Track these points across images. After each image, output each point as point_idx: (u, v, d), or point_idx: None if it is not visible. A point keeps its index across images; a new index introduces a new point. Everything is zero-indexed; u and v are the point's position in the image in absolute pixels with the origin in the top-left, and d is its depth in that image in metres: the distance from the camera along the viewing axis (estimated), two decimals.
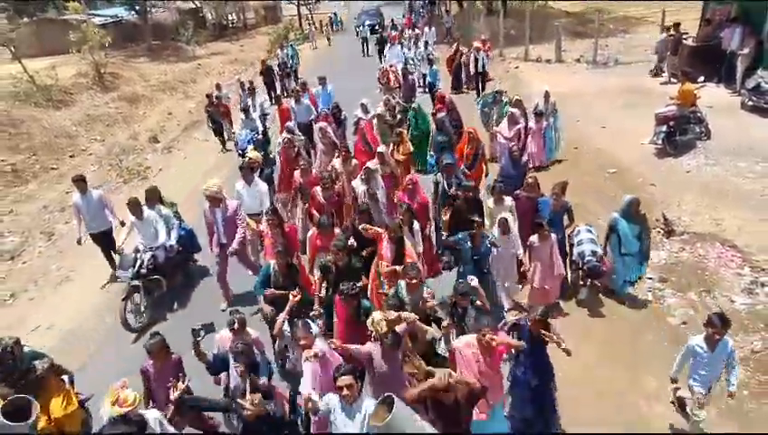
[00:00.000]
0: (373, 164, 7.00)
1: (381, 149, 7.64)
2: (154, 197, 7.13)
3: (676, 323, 5.81)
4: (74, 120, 16.26)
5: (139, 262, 6.39)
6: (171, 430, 3.86)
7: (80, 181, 7.23)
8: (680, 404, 4.61)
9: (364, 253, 5.60)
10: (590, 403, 4.76)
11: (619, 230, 5.86)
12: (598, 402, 4.79)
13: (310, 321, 4.48)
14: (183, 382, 3.80)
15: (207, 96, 13.40)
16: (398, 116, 10.09)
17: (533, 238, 5.78)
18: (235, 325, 4.39)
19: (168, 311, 6.87)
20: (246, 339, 4.35)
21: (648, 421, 4.69)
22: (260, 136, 10.40)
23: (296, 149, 8.66)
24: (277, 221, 5.97)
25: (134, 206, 6.56)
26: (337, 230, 5.87)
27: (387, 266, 5.21)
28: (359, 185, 6.85)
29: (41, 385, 4.28)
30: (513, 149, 7.73)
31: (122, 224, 7.18)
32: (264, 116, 11.67)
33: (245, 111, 10.88)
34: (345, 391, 3.40)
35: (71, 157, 14.41)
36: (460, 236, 5.55)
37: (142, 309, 6.48)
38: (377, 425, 2.70)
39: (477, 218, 5.64)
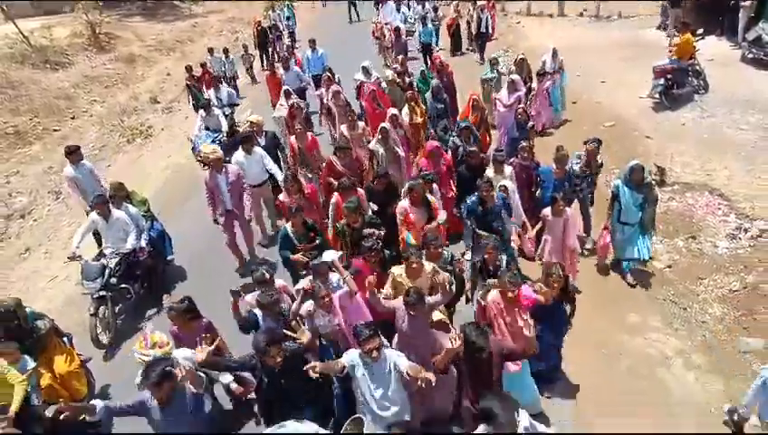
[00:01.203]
0: (388, 125, 6.89)
1: (393, 111, 7.47)
2: (121, 194, 6.33)
3: (661, 266, 6.09)
4: (72, 82, 16.17)
5: (107, 271, 5.71)
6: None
7: (74, 153, 6.76)
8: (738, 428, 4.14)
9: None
10: (574, 342, 5.06)
11: (620, 198, 5.56)
12: (584, 338, 5.09)
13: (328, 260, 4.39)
14: (210, 344, 3.78)
15: (187, 68, 12.16)
16: (409, 79, 9.59)
17: (547, 211, 5.50)
18: (265, 277, 4.37)
19: (140, 321, 6.16)
20: (273, 290, 4.34)
21: (628, 351, 5.06)
22: (223, 137, 8.71)
23: (304, 112, 8.33)
24: (297, 187, 5.86)
25: (101, 205, 5.80)
26: (360, 191, 5.72)
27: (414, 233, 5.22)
28: (377, 147, 6.72)
29: (44, 343, 4.64)
30: (520, 111, 7.52)
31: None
32: (231, 108, 10.34)
33: (206, 106, 9.08)
34: (374, 354, 3.39)
35: (72, 119, 14.45)
36: (469, 202, 5.46)
37: (111, 322, 5.76)
38: None
39: (485, 179, 5.38)
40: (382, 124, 6.86)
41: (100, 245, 6.46)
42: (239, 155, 6.72)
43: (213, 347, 3.81)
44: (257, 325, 4.16)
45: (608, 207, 5.80)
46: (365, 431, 3.41)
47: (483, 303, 4.23)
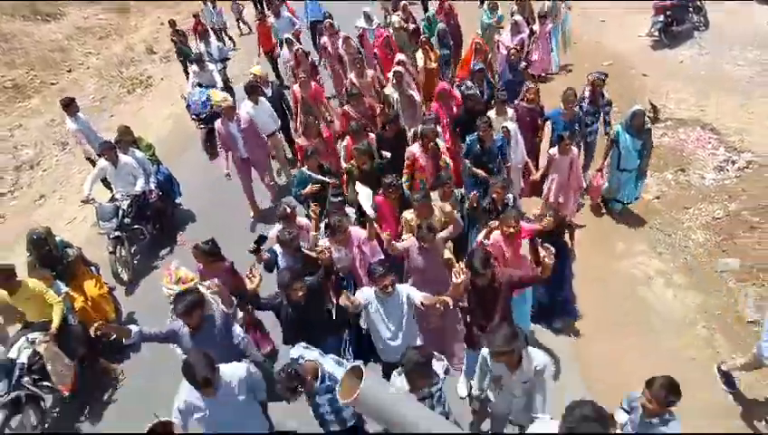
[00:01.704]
0: (402, 69, 6.76)
1: (401, 57, 7.37)
2: (128, 138, 6.51)
3: (650, 198, 6.38)
4: (65, 34, 15.91)
5: (120, 212, 6.00)
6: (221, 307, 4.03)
7: (70, 105, 6.79)
8: (727, 379, 4.23)
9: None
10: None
11: (620, 144, 5.57)
12: (579, 270, 5.35)
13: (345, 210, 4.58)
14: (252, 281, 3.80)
15: (170, 23, 11.48)
16: (415, 25, 9.29)
17: (553, 151, 5.50)
18: (287, 211, 4.48)
19: (155, 260, 6.60)
20: (293, 227, 4.43)
21: (615, 273, 5.45)
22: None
23: (310, 59, 8.11)
24: (316, 130, 5.94)
25: (109, 151, 5.98)
26: (372, 135, 5.76)
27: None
28: (391, 91, 6.69)
29: (73, 269, 5.03)
30: (512, 52, 7.42)
31: (92, 162, 6.62)
32: (224, 62, 9.95)
33: (199, 61, 8.63)
34: (389, 289, 3.50)
35: (68, 71, 14.35)
36: (468, 140, 5.51)
37: (129, 260, 6.18)
38: (347, 401, 1.99)
39: (484, 119, 5.38)
40: (396, 68, 6.77)
41: (110, 192, 6.67)
42: (247, 106, 6.64)
43: (259, 279, 3.83)
44: (276, 262, 4.30)
45: (604, 153, 5.86)
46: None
47: (485, 243, 4.37)
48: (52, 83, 13.74)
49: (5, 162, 9.97)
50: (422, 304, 3.55)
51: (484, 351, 3.16)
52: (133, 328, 3.54)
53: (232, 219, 6.87)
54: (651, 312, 5.01)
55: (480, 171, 5.44)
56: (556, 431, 2.43)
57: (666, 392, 2.76)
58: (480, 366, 3.37)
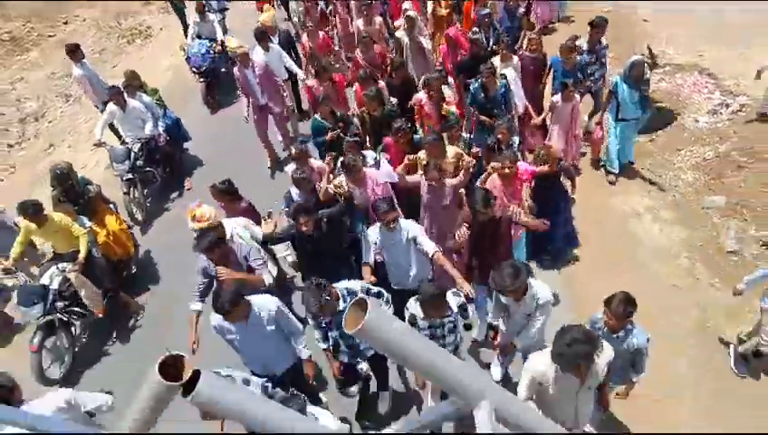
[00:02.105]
0: (414, 14, 6.80)
1: (407, 5, 7.33)
2: (135, 83, 6.63)
3: (643, 140, 6.56)
4: None
5: (132, 154, 6.19)
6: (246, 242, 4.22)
7: (75, 51, 6.77)
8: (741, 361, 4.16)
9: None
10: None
11: (618, 94, 5.57)
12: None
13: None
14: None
15: None
16: None
17: (556, 98, 5.59)
18: (300, 151, 4.71)
19: (166, 202, 6.90)
20: (306, 167, 4.66)
21: (608, 210, 5.73)
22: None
23: (319, 8, 8.02)
24: (328, 74, 6.02)
25: (117, 95, 6.14)
26: (381, 83, 5.84)
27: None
28: (402, 36, 6.67)
29: (95, 205, 5.33)
30: None
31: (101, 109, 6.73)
32: (222, 13, 9.62)
33: (201, 11, 8.32)
34: (392, 224, 3.77)
35: (64, 24, 14.17)
36: (472, 88, 5.59)
37: (142, 201, 6.42)
38: (351, 332, 2.19)
39: (488, 66, 5.42)
40: (408, 12, 6.77)
41: (119, 138, 6.93)
42: (259, 52, 6.60)
43: (274, 222, 4.19)
44: (292, 200, 4.56)
45: (603, 104, 5.90)
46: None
47: (484, 184, 4.54)
48: (50, 36, 13.59)
49: (10, 115, 10.06)
50: (433, 255, 3.76)
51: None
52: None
53: (240, 167, 7.01)
54: (639, 247, 5.32)
55: (486, 118, 5.55)
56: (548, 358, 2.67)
57: (623, 306, 2.97)
58: (495, 299, 3.65)
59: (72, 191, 5.22)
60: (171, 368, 0.89)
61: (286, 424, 1.01)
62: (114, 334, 5.23)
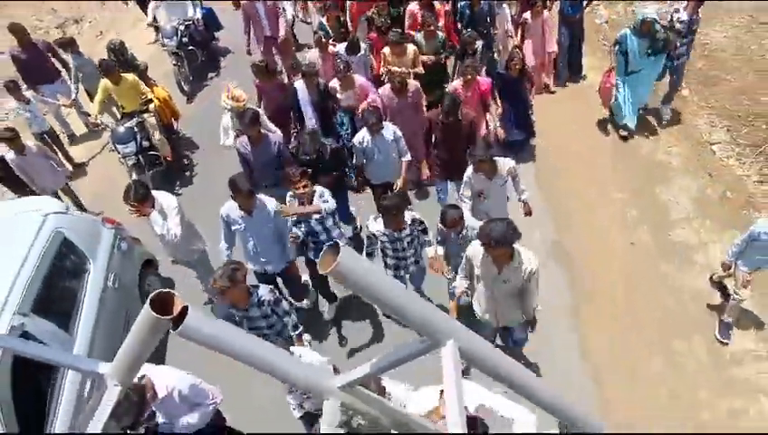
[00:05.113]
0: None
1: None
2: None
3: (600, 22, 7.03)
4: None
5: (179, 32, 7.27)
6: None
7: None
8: (720, 286, 4.44)
9: None
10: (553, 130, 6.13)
11: (627, 46, 5.51)
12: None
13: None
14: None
15: None
16: None
17: (526, 15, 6.06)
18: (322, 39, 5.65)
19: (205, 80, 7.96)
20: (326, 54, 5.64)
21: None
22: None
23: None
24: None
25: None
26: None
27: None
28: None
29: (145, 76, 6.47)
30: None
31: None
32: None
33: None
34: (375, 128, 4.47)
35: None
36: (460, 5, 6.18)
37: (188, 75, 7.55)
38: (325, 272, 1.57)
39: None
40: None
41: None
42: None
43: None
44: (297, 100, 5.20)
45: (611, 59, 5.82)
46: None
47: (450, 89, 5.17)
48: None
49: (48, 21, 10.40)
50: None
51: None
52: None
53: None
54: (616, 151, 5.81)
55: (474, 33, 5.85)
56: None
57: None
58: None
59: (125, 63, 6.20)
60: (163, 304, 0.97)
61: (268, 356, 1.13)
62: (178, 180, 6.25)
